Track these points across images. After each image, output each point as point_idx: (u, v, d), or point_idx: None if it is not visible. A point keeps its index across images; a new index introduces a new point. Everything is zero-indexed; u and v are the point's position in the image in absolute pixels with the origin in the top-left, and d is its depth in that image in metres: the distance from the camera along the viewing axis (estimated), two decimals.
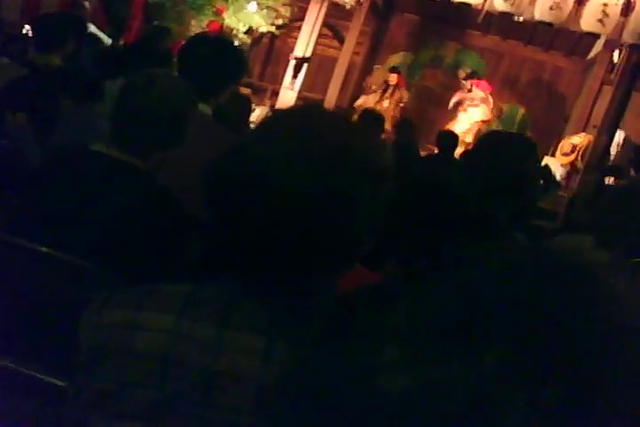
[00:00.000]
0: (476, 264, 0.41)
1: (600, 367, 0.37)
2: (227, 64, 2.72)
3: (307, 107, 1.24)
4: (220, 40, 2.99)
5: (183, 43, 3.00)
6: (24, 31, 5.58)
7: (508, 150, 2.17)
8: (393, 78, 11.62)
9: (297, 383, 0.40)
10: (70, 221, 1.94)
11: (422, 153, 7.22)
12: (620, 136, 10.35)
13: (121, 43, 8.03)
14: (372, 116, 6.12)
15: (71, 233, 1.91)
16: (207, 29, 10.39)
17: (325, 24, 12.19)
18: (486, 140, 2.43)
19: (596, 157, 9.62)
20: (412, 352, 0.35)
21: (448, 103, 11.96)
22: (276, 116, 1.16)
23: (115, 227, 1.92)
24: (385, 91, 11.66)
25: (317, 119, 1.07)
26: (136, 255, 1.87)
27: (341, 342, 0.39)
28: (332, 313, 0.36)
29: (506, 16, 9.31)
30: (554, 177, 7.75)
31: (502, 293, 0.38)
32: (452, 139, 7.49)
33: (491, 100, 11.64)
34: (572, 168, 10.25)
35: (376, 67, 12.77)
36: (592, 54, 12.19)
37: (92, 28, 6.27)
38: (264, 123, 1.14)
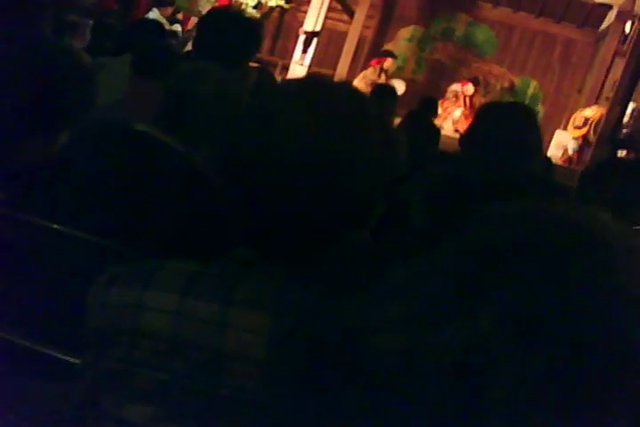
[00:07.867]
0: (477, 225, 0.41)
1: (606, 348, 0.35)
2: (243, 38, 2.71)
3: (315, 76, 1.29)
4: (236, 14, 2.97)
5: (193, 19, 2.99)
6: None
7: (507, 121, 2.17)
8: (389, 63, 11.08)
9: (298, 339, 0.41)
10: (101, 197, 1.95)
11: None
12: (632, 108, 10.25)
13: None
14: (386, 90, 6.13)
15: (99, 209, 1.92)
16: (216, 5, 10.33)
17: None
18: (485, 112, 2.43)
19: (608, 130, 9.53)
20: (412, 311, 0.35)
21: (459, 77, 11.83)
22: (286, 86, 1.18)
23: (149, 204, 1.93)
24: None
25: (325, 88, 1.08)
26: (165, 237, 1.88)
27: (344, 298, 0.39)
28: (338, 272, 0.37)
29: None
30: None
31: (504, 253, 0.37)
32: (431, 104, 7.53)
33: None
34: (584, 141, 10.17)
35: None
36: (604, 26, 12.05)
37: None
38: (274, 92, 1.16)
